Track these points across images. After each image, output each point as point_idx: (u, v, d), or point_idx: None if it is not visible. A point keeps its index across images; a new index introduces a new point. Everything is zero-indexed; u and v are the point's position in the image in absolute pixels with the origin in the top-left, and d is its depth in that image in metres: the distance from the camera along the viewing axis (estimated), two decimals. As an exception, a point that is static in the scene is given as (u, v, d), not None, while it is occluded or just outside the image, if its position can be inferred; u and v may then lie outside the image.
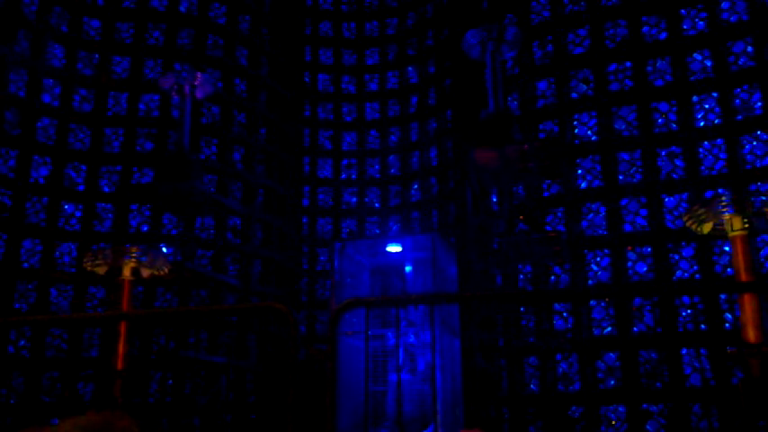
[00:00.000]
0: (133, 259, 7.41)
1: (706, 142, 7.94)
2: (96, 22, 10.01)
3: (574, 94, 8.85)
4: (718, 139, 7.88)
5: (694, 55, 8.28)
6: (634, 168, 8.29)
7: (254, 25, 11.05)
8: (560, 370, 7.98)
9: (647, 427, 7.37)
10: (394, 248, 7.82)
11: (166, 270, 7.42)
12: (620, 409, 7.56)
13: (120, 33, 10.11)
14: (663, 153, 8.16)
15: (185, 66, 9.98)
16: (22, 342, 8.49)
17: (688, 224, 6.04)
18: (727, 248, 7.43)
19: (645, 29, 8.62)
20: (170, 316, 8.50)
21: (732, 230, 5.65)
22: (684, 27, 8.40)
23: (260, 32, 11.08)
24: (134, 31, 10.11)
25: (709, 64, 8.17)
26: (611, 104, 8.54)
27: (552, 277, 8.30)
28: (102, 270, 7.41)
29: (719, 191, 7.65)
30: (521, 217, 8.55)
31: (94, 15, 10.00)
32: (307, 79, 11.77)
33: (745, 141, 7.75)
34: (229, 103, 10.29)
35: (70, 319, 9.15)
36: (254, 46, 10.90)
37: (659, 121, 8.33)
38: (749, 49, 7.94)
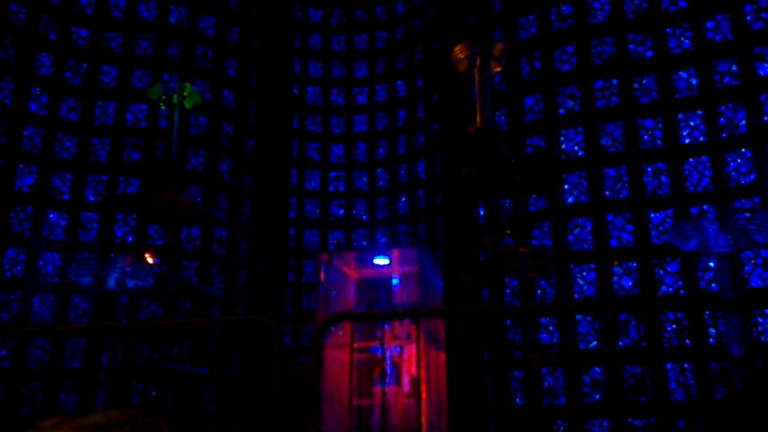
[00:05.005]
0: (118, 270, 7.34)
1: (691, 159, 8.03)
2: (85, 32, 9.99)
3: (561, 110, 8.92)
4: (704, 156, 7.97)
5: (680, 73, 8.38)
6: (620, 184, 8.35)
7: (243, 37, 11.06)
8: (546, 384, 7.98)
9: (632, 442, 7.38)
10: (381, 261, 7.78)
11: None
12: (605, 423, 7.57)
13: (108, 43, 10.09)
14: (649, 169, 8.23)
15: (174, 76, 9.97)
16: (3, 352, 8.38)
17: (673, 240, 6.07)
18: (711, 264, 7.48)
19: (631, 46, 8.72)
20: (154, 329, 8.41)
21: (717, 247, 5.69)
22: (670, 45, 8.51)
23: (249, 44, 11.09)
24: (123, 40, 10.10)
25: (694, 82, 8.27)
26: (598, 120, 8.61)
27: (538, 291, 8.32)
28: (86, 280, 7.33)
29: (704, 207, 7.72)
30: (507, 231, 8.57)
31: (83, 24, 9.97)
32: (296, 91, 11.77)
33: (729, 159, 7.84)
34: (217, 113, 10.27)
35: (52, 331, 9.03)
36: (243, 57, 10.91)
37: (645, 137, 8.41)
38: (734, 68, 8.04)
